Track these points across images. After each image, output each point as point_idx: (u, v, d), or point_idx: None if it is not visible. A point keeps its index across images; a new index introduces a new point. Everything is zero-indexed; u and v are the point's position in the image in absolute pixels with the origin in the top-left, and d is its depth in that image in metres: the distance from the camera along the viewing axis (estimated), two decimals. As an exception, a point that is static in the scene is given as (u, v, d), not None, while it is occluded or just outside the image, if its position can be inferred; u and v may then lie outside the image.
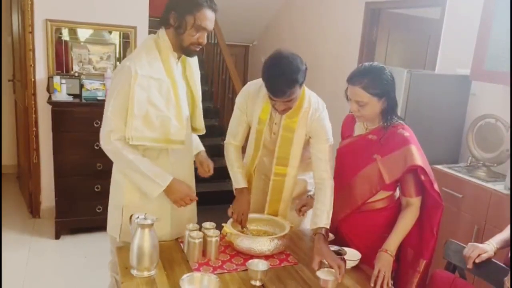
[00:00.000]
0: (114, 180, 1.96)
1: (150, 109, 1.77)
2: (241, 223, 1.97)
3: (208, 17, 1.78)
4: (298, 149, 2.00)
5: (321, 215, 1.85)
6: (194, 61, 1.97)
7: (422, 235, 1.82)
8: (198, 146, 2.15)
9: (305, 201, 2.11)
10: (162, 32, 1.84)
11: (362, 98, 1.75)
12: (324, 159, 1.96)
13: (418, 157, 1.73)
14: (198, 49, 1.85)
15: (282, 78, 1.76)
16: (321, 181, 1.94)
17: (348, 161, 1.93)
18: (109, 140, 1.77)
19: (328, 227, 1.83)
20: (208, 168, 2.06)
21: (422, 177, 1.75)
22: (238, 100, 2.09)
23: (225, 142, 2.15)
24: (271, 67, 1.80)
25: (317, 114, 1.97)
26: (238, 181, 2.06)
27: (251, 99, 2.03)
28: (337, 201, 1.96)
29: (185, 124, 1.89)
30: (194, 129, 2.06)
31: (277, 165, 2.02)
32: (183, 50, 1.84)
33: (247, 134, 2.13)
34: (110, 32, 3.79)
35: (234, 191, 2.08)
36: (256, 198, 2.14)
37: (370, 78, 1.74)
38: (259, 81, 1.99)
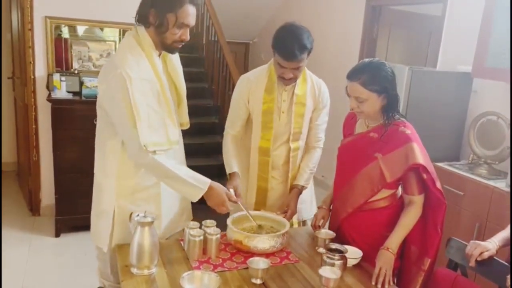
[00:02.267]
0: (99, 185, 1.85)
1: (150, 112, 1.70)
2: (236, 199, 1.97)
3: (191, 13, 1.70)
4: (308, 122, 2.17)
5: (303, 174, 2.16)
6: (175, 56, 1.88)
7: (427, 233, 1.80)
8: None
9: (321, 215, 2.05)
10: (141, 29, 1.72)
11: (361, 94, 1.74)
12: (322, 128, 2.22)
13: (420, 155, 1.72)
14: (180, 46, 1.77)
15: (295, 41, 1.91)
16: (312, 146, 2.21)
17: (349, 160, 1.92)
18: (146, 153, 1.67)
19: (306, 186, 2.17)
20: None
21: (424, 176, 1.74)
22: (239, 87, 2.16)
23: (224, 133, 2.22)
24: (284, 33, 1.96)
25: (322, 88, 2.18)
26: (229, 165, 2.12)
27: (253, 84, 2.12)
28: (339, 200, 1.95)
29: (177, 124, 1.84)
30: (180, 124, 1.99)
31: (293, 142, 2.15)
32: (165, 47, 1.76)
33: (245, 123, 2.19)
34: (117, 30, 3.77)
35: (228, 176, 2.12)
36: (275, 199, 2.21)
37: (369, 74, 1.73)
38: (255, 70, 2.19)
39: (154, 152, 1.69)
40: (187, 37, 1.74)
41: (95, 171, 1.87)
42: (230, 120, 2.20)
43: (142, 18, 1.71)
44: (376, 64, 1.77)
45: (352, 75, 1.76)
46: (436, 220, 1.78)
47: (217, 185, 1.81)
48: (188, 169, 1.80)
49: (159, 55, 1.80)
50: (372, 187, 1.81)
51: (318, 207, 2.07)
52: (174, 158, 1.86)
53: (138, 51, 1.71)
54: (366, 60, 1.83)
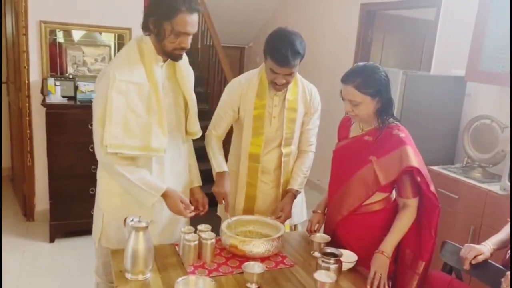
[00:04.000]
0: (98, 184, 1.91)
1: (130, 115, 1.70)
2: (225, 206, 2.02)
3: (188, 21, 1.67)
4: (299, 126, 2.17)
5: (296, 178, 2.17)
6: (184, 63, 1.89)
7: (421, 237, 1.81)
8: (195, 180, 2.10)
9: (316, 219, 2.05)
10: (146, 36, 1.76)
11: (355, 98, 1.75)
12: (313, 133, 2.22)
13: (414, 158, 1.73)
14: (182, 53, 1.78)
15: (288, 47, 1.89)
16: (304, 151, 2.22)
17: (344, 163, 1.92)
18: (103, 152, 1.71)
19: (300, 191, 2.18)
20: (203, 206, 2.03)
21: (418, 179, 1.74)
22: (230, 91, 2.14)
23: (206, 133, 2.19)
24: (277, 38, 1.95)
25: (313, 92, 2.18)
26: (219, 165, 2.10)
27: (244, 88, 2.10)
28: (334, 204, 1.95)
29: (167, 132, 1.80)
30: (189, 133, 2.02)
31: (284, 147, 2.14)
32: (166, 55, 1.78)
33: (229, 127, 2.20)
34: (113, 34, 3.77)
35: (215, 176, 2.11)
36: (263, 202, 2.21)
37: (363, 78, 1.74)
38: (246, 74, 2.17)
39: (117, 154, 1.71)
40: (187, 45, 1.74)
41: (98, 171, 1.93)
42: (215, 122, 2.17)
43: (144, 26, 1.74)
44: (370, 68, 1.78)
45: (347, 79, 1.77)
46: (430, 224, 1.78)
47: (173, 193, 1.80)
48: (145, 174, 1.77)
49: (164, 61, 1.81)
50: (367, 189, 1.81)
51: (313, 211, 2.07)
52: (163, 169, 1.86)
53: (135, 56, 1.73)
54: (360, 63, 1.84)
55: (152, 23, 1.70)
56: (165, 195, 1.78)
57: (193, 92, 1.97)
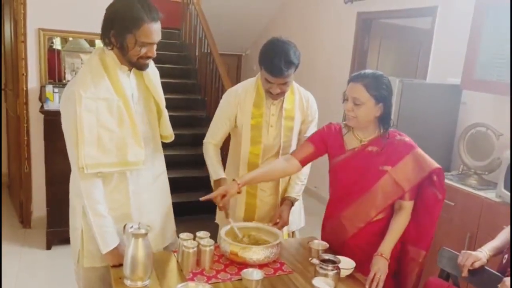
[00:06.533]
0: (71, 203, 1.84)
1: (102, 132, 1.66)
2: (225, 212, 1.99)
3: (152, 31, 1.64)
4: (296, 134, 2.18)
5: (294, 186, 2.19)
6: (151, 68, 1.83)
7: (421, 228, 1.84)
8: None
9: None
10: (107, 48, 1.71)
11: (361, 96, 1.77)
12: None
13: (431, 159, 1.79)
14: (148, 61, 1.73)
15: (282, 57, 1.90)
16: None
17: (353, 178, 1.87)
18: (81, 176, 1.65)
19: (298, 198, 2.18)
20: None
21: (435, 177, 1.79)
22: (227, 101, 2.15)
23: (204, 141, 2.20)
24: (271, 49, 1.95)
25: (310, 100, 2.19)
26: (217, 172, 2.11)
27: (241, 98, 2.11)
28: (345, 219, 1.90)
29: (143, 143, 1.76)
30: (163, 137, 1.98)
31: (282, 155, 2.13)
32: (132, 65, 1.74)
33: (226, 135, 2.21)
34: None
35: (212, 184, 2.12)
36: (263, 210, 2.21)
37: (372, 79, 1.79)
38: (243, 84, 2.18)
39: (96, 174, 1.67)
40: (153, 54, 1.70)
41: (70, 190, 1.86)
42: (212, 131, 2.19)
43: (105, 40, 1.68)
44: (379, 74, 1.84)
45: (356, 77, 1.82)
46: (433, 215, 1.83)
47: (117, 252, 1.72)
48: (108, 222, 1.71)
49: (130, 70, 1.77)
50: (386, 199, 1.82)
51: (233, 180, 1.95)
52: (137, 179, 1.82)
53: (99, 70, 1.68)
54: (368, 70, 1.89)
55: (114, 37, 1.65)
56: (109, 252, 1.72)
57: (163, 95, 1.93)
